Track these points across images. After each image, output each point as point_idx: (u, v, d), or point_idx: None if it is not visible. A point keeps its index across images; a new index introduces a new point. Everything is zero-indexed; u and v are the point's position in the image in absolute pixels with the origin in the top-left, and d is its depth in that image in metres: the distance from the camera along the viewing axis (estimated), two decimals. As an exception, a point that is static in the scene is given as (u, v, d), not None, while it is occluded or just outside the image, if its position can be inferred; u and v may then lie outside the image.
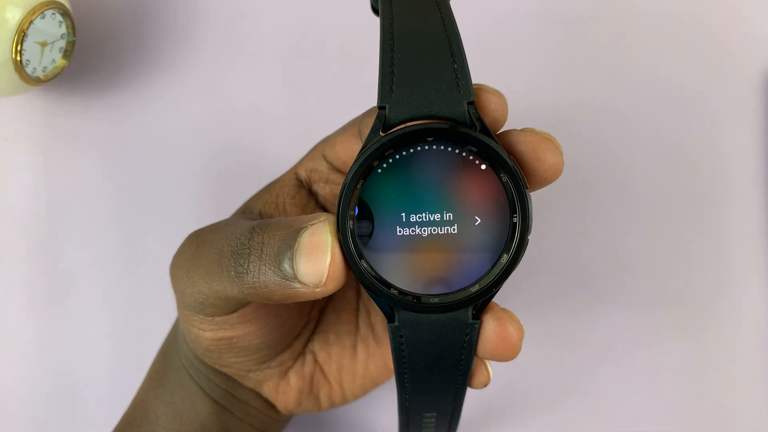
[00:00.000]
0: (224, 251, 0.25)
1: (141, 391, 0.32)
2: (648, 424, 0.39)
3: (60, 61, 0.37)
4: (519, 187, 0.22)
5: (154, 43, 0.40)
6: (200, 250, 0.26)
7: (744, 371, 0.39)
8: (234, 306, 0.26)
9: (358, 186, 0.22)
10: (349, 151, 0.27)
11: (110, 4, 0.41)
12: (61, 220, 0.39)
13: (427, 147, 0.22)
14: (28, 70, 0.35)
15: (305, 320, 0.31)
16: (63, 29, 0.36)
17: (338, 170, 0.29)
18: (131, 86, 0.40)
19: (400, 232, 0.22)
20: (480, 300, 0.23)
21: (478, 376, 0.25)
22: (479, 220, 0.22)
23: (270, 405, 0.31)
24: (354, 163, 0.22)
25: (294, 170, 0.30)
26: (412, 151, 0.22)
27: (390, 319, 0.23)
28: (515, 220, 0.22)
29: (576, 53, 0.41)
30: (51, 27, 0.35)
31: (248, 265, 0.24)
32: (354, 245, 0.22)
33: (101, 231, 0.39)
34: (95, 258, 0.39)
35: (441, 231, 0.22)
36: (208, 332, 0.27)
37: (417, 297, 0.22)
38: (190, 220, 0.38)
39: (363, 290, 0.32)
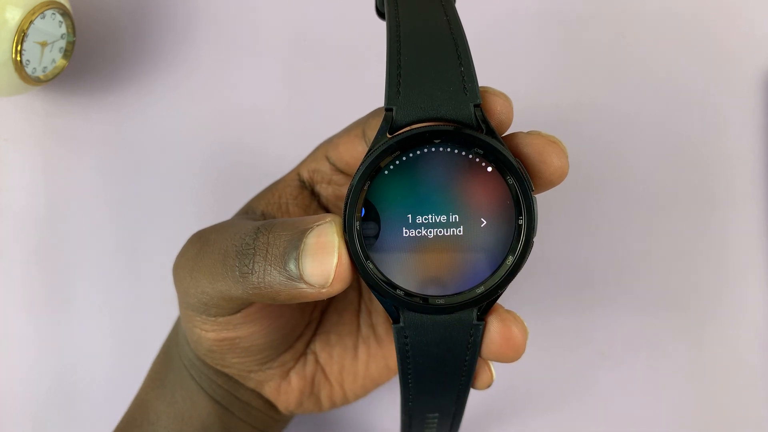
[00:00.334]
0: (228, 251, 0.25)
1: (142, 392, 0.32)
2: (648, 424, 0.39)
3: (60, 61, 0.37)
4: (525, 190, 0.22)
5: (154, 43, 0.40)
6: (204, 251, 0.26)
7: (744, 371, 0.39)
8: (237, 306, 0.26)
9: (365, 187, 0.22)
10: (353, 153, 0.27)
11: (110, 4, 0.40)
12: (60, 220, 0.39)
13: (433, 149, 0.22)
14: (28, 70, 0.35)
15: (307, 321, 0.31)
16: (63, 29, 0.36)
17: (341, 171, 0.29)
18: (131, 86, 0.40)
19: (406, 233, 0.22)
20: (485, 301, 0.23)
21: (481, 377, 0.25)
22: (485, 222, 0.22)
23: (271, 405, 0.31)
24: (361, 164, 0.22)
25: (296, 171, 0.30)
26: (419, 152, 0.22)
27: (395, 320, 0.23)
28: (521, 222, 0.22)
29: (576, 53, 0.41)
30: (51, 27, 0.35)
31: (253, 266, 0.24)
32: (360, 246, 0.22)
33: (101, 231, 0.39)
34: (95, 258, 0.39)
35: (447, 232, 0.22)
36: (210, 333, 0.27)
37: (423, 298, 0.22)
38: (190, 220, 0.38)
39: (365, 291, 0.32)
